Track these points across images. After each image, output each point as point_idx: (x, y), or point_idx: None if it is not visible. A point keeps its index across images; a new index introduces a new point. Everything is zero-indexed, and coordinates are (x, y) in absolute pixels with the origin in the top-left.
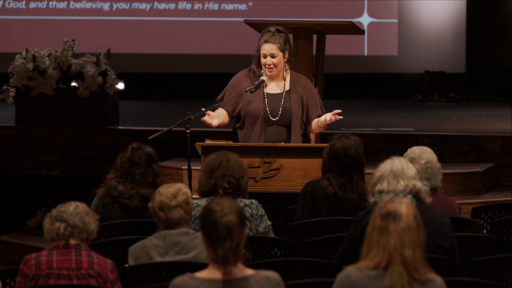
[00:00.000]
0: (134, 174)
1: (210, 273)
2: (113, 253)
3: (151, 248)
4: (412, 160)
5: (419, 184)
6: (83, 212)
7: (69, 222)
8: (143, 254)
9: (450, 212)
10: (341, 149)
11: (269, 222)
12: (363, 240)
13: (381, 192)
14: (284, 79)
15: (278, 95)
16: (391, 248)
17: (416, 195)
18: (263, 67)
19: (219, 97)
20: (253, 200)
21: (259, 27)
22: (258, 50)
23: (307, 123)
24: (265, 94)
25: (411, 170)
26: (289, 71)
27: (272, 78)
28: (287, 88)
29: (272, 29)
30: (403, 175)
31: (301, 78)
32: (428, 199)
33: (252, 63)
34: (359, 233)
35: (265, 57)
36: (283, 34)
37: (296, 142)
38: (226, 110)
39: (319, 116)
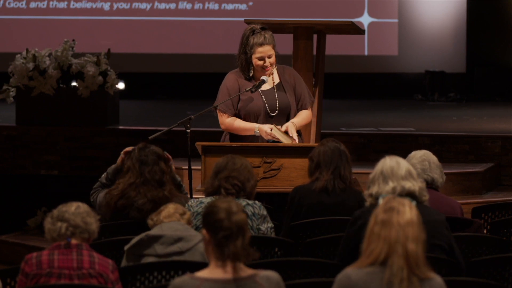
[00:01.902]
0: (144, 173)
1: (211, 273)
2: (113, 253)
3: (147, 232)
4: (410, 158)
5: (408, 185)
6: (85, 212)
7: (71, 222)
8: (139, 237)
9: (450, 212)
10: (326, 145)
11: (271, 224)
12: (359, 240)
13: (371, 195)
14: (272, 73)
15: (271, 90)
16: (392, 239)
17: (408, 196)
18: (258, 69)
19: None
20: (256, 201)
21: None
22: (246, 53)
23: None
24: (260, 91)
25: (402, 169)
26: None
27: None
28: (277, 81)
29: (257, 27)
30: (392, 175)
31: (286, 68)
32: (425, 197)
33: (238, 65)
34: (354, 233)
35: (262, 59)
36: (269, 30)
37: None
38: (230, 115)
39: (305, 104)
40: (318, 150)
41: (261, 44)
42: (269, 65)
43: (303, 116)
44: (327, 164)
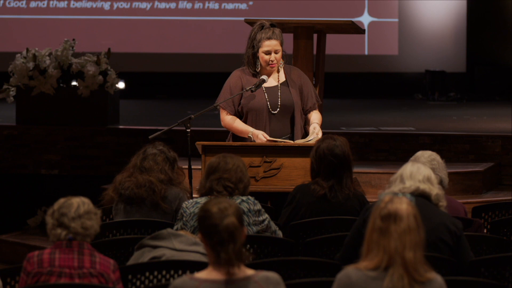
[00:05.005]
0: (137, 162)
1: (210, 274)
2: (113, 252)
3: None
4: (418, 157)
5: (423, 186)
6: (85, 214)
7: (70, 229)
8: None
9: (454, 213)
10: (326, 149)
11: (266, 215)
12: (362, 233)
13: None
14: (278, 71)
15: (275, 88)
16: (392, 250)
17: (421, 196)
18: (263, 64)
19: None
20: (249, 196)
21: None
22: (253, 47)
23: (304, 113)
24: (264, 88)
25: (421, 174)
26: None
27: (271, 73)
28: (282, 79)
29: (267, 24)
30: (410, 178)
31: (293, 68)
32: (441, 203)
33: (245, 62)
34: (361, 224)
35: (268, 53)
36: (278, 27)
37: (298, 134)
38: (229, 112)
39: (313, 105)
40: (319, 155)
41: (269, 38)
42: (275, 61)
43: (320, 118)
44: (327, 175)
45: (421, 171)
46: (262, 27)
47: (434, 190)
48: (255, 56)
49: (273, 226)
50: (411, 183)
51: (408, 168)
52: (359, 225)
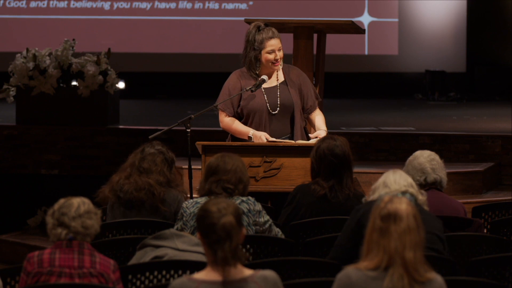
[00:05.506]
0: (135, 162)
1: (208, 275)
2: (113, 252)
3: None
4: (418, 157)
5: (411, 190)
6: (85, 214)
7: (71, 228)
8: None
9: (454, 213)
10: (327, 149)
11: (267, 217)
12: (358, 231)
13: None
14: (277, 71)
15: (274, 88)
16: (392, 250)
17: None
18: (267, 64)
19: (218, 104)
20: (250, 197)
21: None
22: (255, 49)
23: (304, 112)
24: (263, 89)
25: (405, 180)
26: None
27: (271, 73)
28: (281, 79)
29: (261, 24)
30: (394, 183)
31: (292, 68)
32: (425, 208)
33: (245, 63)
34: (354, 224)
35: (272, 52)
36: (273, 27)
37: (298, 134)
38: (228, 114)
39: (314, 104)
40: (319, 155)
41: (271, 38)
42: (279, 59)
43: (324, 120)
44: (327, 175)
45: (404, 177)
46: (258, 28)
47: (419, 195)
48: (257, 58)
49: (275, 230)
50: (396, 188)
51: (390, 175)
52: (351, 226)
